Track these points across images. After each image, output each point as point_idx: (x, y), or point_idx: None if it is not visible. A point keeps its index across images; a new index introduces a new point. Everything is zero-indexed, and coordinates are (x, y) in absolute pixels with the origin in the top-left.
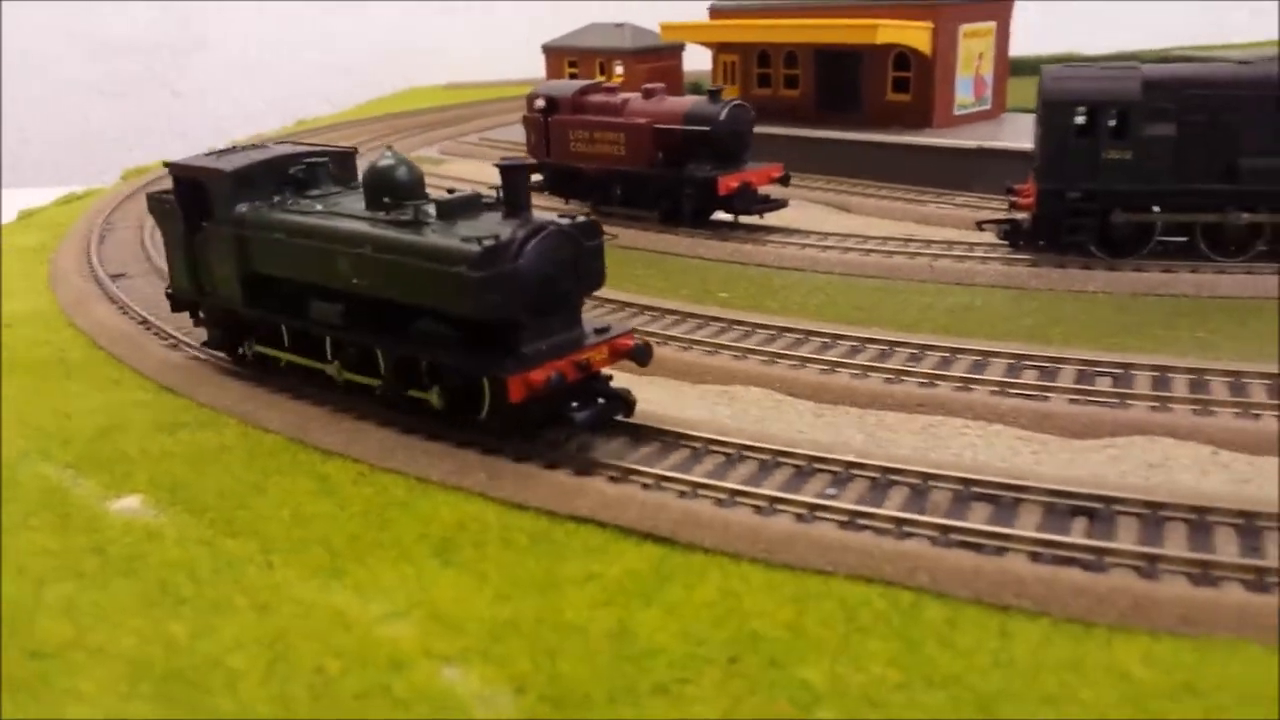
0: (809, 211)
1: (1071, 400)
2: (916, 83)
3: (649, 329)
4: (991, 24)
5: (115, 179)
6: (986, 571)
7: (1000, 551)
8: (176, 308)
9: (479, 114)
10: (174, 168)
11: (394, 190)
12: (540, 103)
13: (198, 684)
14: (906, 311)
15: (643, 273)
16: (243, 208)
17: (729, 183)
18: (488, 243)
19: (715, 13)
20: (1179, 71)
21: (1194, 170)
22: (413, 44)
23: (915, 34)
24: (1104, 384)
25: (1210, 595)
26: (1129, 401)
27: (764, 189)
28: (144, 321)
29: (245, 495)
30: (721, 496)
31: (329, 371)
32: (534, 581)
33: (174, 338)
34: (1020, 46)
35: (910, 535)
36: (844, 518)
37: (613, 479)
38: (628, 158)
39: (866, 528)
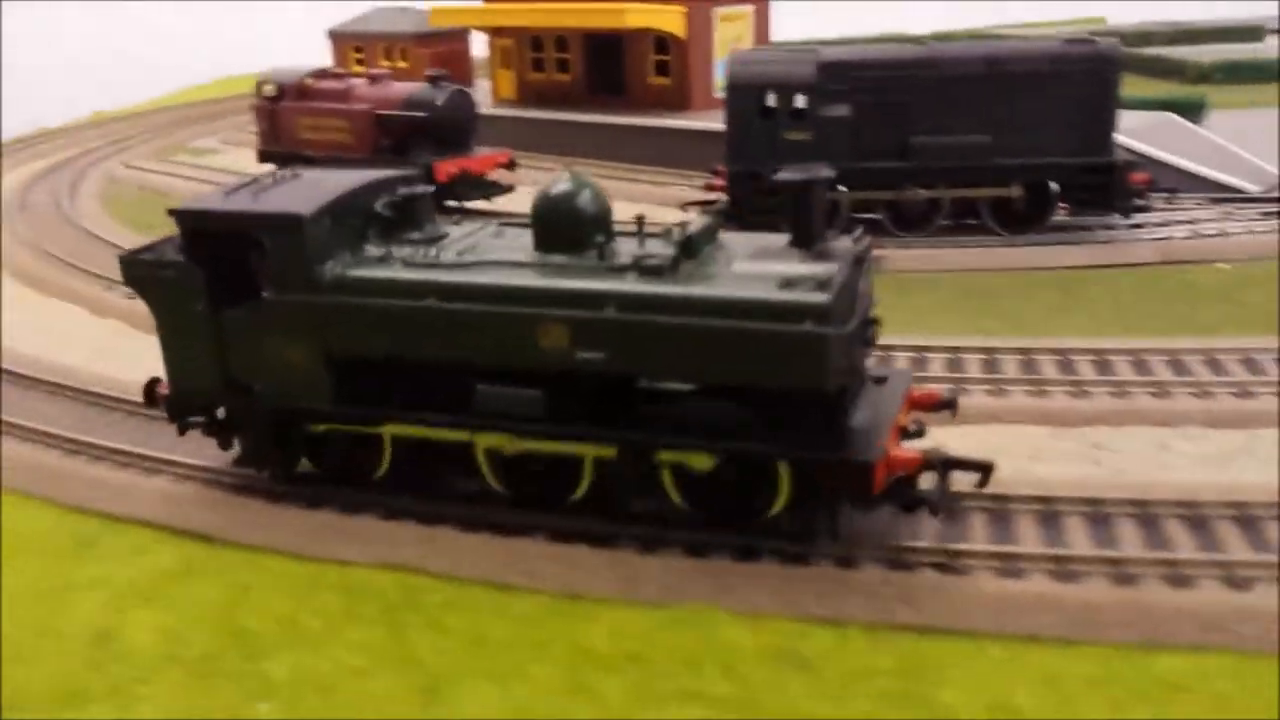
0: None
1: None
2: (675, 66)
3: None
4: (748, 8)
5: None
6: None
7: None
8: (177, 417)
9: None
10: (191, 217)
11: (576, 224)
12: (269, 89)
13: None
14: None
15: None
16: (333, 266)
17: (447, 169)
18: (828, 291)
19: None
20: (852, 54)
21: (870, 149)
22: (223, 34)
23: (668, 18)
24: None
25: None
26: None
27: (495, 175)
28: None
29: None
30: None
31: (491, 482)
32: None
33: (158, 459)
34: (810, 30)
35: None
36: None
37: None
38: (354, 144)
39: None
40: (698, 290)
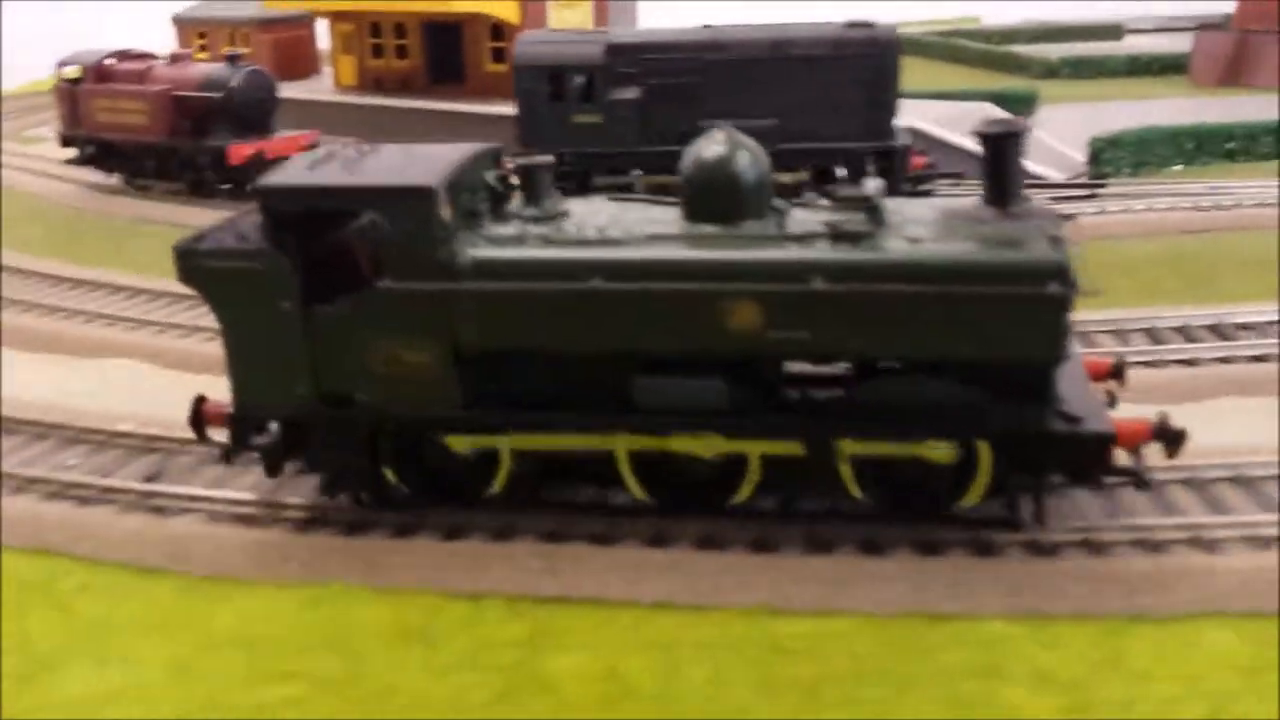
0: None
1: None
2: (511, 53)
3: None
4: None
5: None
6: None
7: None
8: (243, 441)
9: None
10: (283, 195)
11: (737, 190)
12: (71, 72)
13: None
14: None
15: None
16: (464, 248)
17: (242, 151)
18: (1062, 248)
19: None
20: (642, 37)
21: (660, 133)
22: (68, 26)
23: (501, 4)
24: None
25: None
26: None
27: None
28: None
29: None
30: None
31: (633, 491)
32: None
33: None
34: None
35: None
36: None
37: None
38: (151, 127)
39: None
40: (922, 255)
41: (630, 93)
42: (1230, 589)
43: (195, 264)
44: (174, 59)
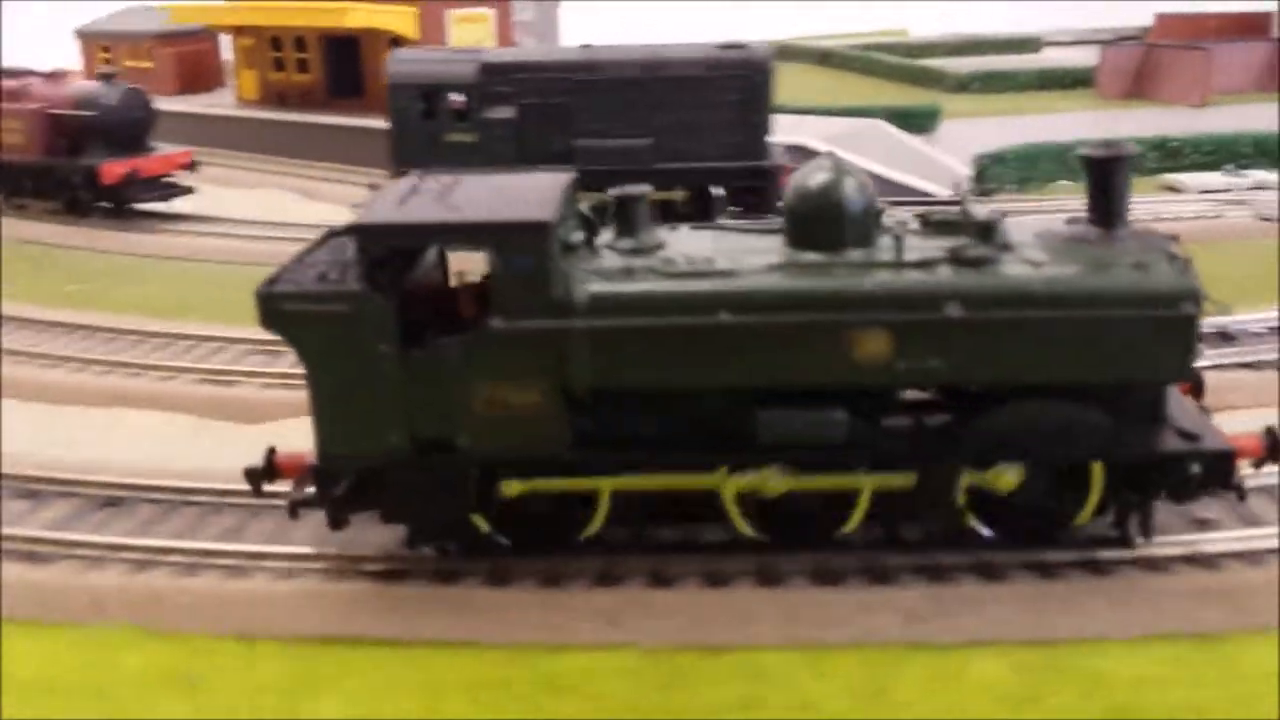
0: (273, 198)
1: None
2: None
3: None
4: (489, 10)
5: None
6: None
7: None
8: (331, 493)
9: None
10: (383, 232)
11: (842, 217)
12: None
13: None
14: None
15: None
16: (588, 283)
17: (115, 170)
18: (1191, 271)
19: None
20: (517, 56)
21: (535, 152)
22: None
23: (397, 19)
24: None
25: None
26: None
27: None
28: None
29: None
30: None
31: (740, 528)
32: None
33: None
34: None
35: None
36: None
37: None
38: (28, 146)
39: None
40: (1061, 281)
41: (505, 112)
42: None
43: (279, 308)
44: (50, 76)
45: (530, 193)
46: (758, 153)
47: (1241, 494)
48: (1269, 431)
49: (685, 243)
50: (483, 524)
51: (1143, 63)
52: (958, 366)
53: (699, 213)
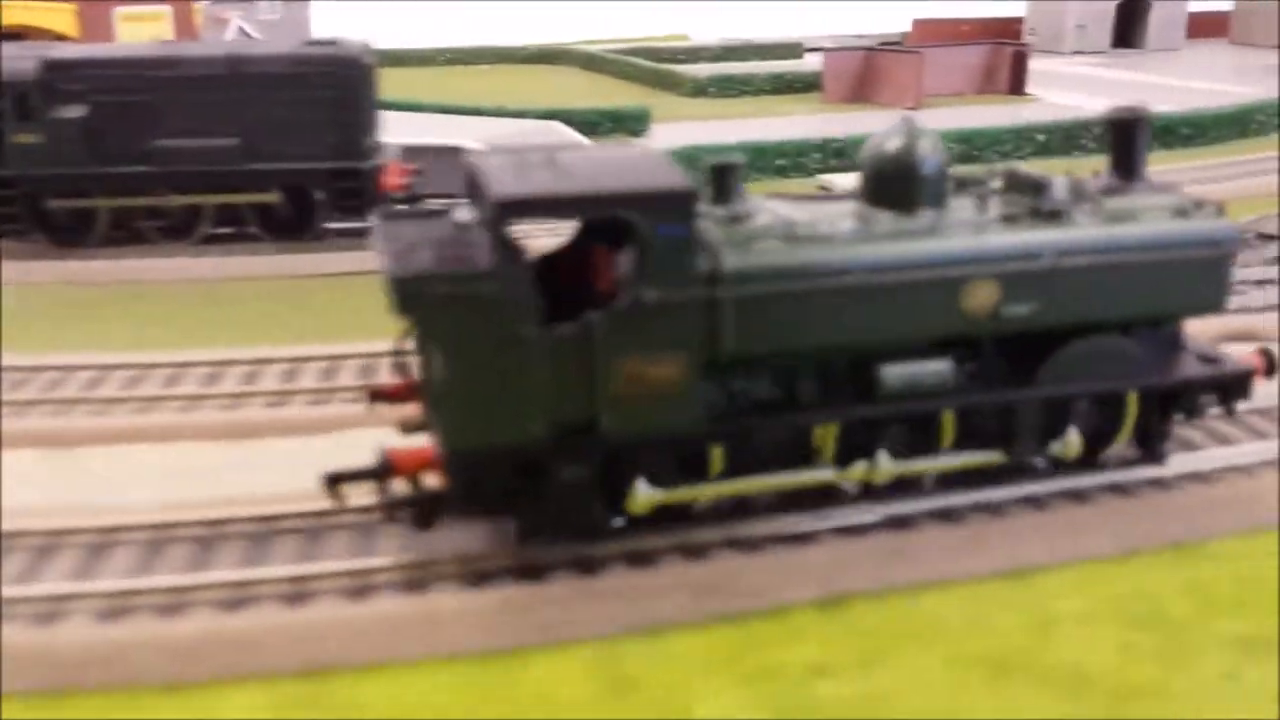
0: None
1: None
2: None
3: None
4: (164, 8)
5: None
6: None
7: None
8: (467, 491)
9: None
10: (524, 205)
11: (917, 178)
12: None
13: None
14: None
15: None
16: (732, 255)
17: None
18: (1224, 215)
19: None
20: (86, 52)
21: (111, 153)
22: None
23: (55, 15)
24: None
25: None
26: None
27: None
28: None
29: None
30: None
31: (850, 477)
32: None
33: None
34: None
35: None
36: None
37: None
38: None
39: None
40: (1122, 232)
41: (75, 111)
42: None
43: (418, 291)
44: None
45: (643, 162)
46: (354, 153)
47: (1231, 412)
48: (1264, 352)
49: (770, 211)
50: (639, 503)
51: (864, 67)
52: (1046, 311)
53: (297, 215)
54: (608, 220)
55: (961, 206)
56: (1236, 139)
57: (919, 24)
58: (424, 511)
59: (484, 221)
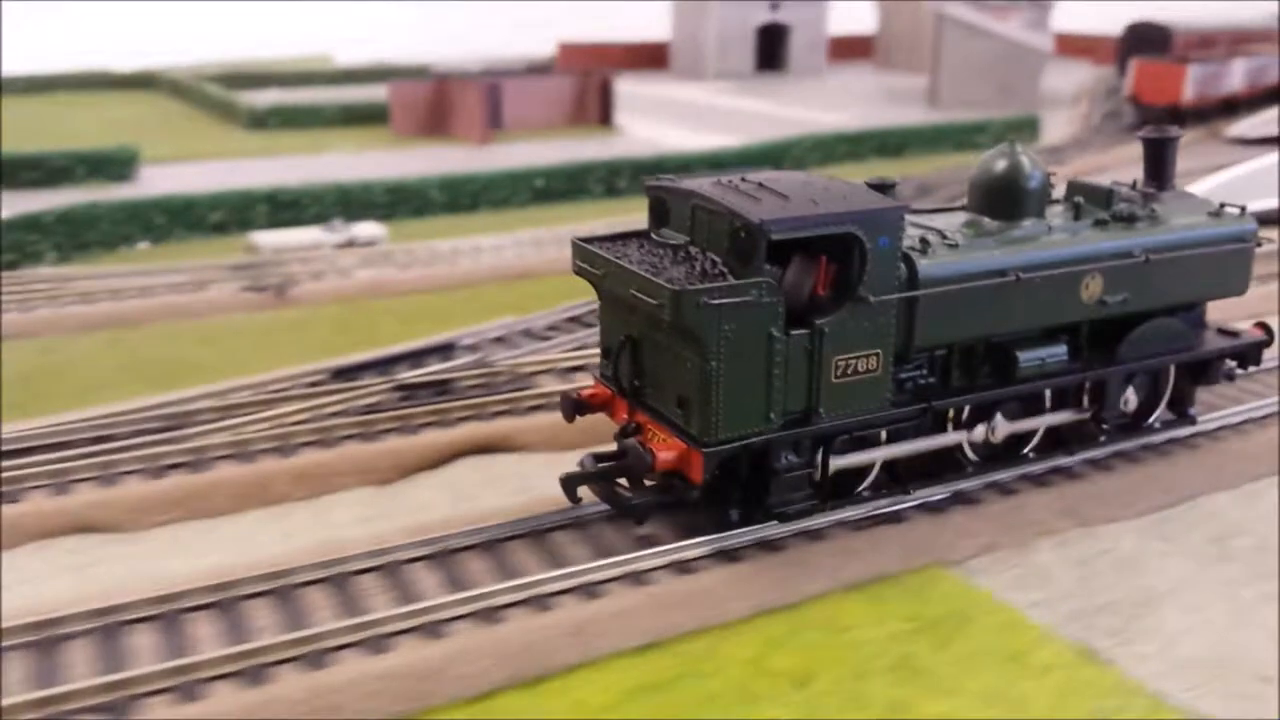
0: None
1: None
2: None
3: None
4: None
5: None
6: None
7: None
8: (718, 477)
9: None
10: (789, 224)
11: (1024, 192)
12: None
13: None
14: None
15: None
16: (924, 262)
17: None
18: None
19: None
20: None
21: None
22: None
23: None
24: None
25: None
26: None
27: None
28: None
29: None
30: None
31: (969, 453)
32: None
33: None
34: None
35: None
36: None
37: None
38: None
39: None
40: (1183, 230)
41: None
42: None
43: (697, 302)
44: None
45: (838, 187)
46: None
47: (1232, 378)
48: (1263, 325)
49: (914, 223)
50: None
51: (436, 97)
52: (1133, 298)
53: None
54: (839, 236)
55: (1056, 215)
56: None
57: (565, 49)
58: (645, 508)
59: (736, 240)
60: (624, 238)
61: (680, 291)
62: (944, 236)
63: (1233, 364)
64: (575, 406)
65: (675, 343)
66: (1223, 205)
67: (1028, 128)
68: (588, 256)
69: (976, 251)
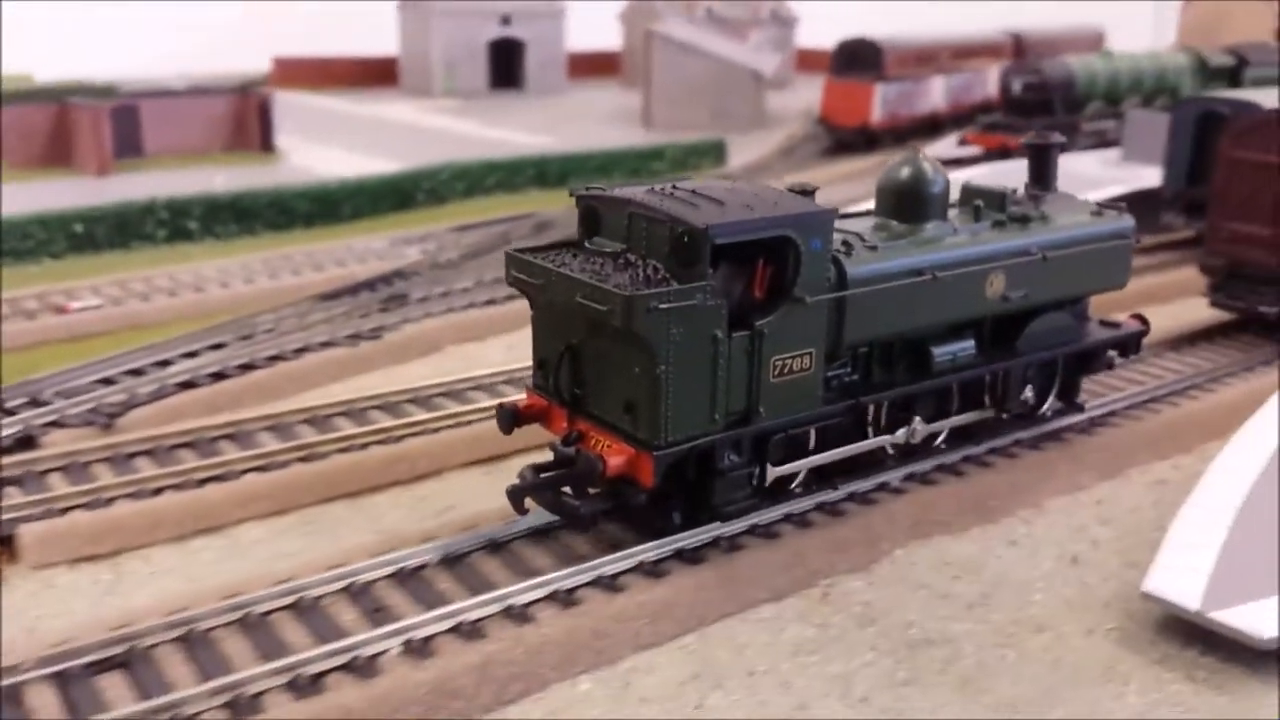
0: None
1: None
2: None
3: None
4: None
5: None
6: None
7: None
8: (665, 480)
9: None
10: (730, 229)
11: (927, 197)
12: None
13: None
14: None
15: None
16: (849, 264)
17: None
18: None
19: None
20: None
21: None
22: None
23: None
24: None
25: None
26: None
27: None
28: None
29: None
30: None
31: (900, 440)
32: None
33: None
34: None
35: None
36: None
37: None
38: None
39: None
40: (1073, 229)
41: None
42: None
43: (648, 307)
44: None
45: (768, 193)
46: None
47: (1112, 366)
48: (1139, 316)
49: (854, 224)
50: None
51: (58, 123)
52: (1029, 293)
53: None
54: (775, 239)
55: (955, 217)
56: (392, 212)
57: (281, 63)
58: (590, 514)
59: (678, 245)
60: (555, 248)
61: (632, 297)
62: (862, 239)
63: (1113, 353)
64: (512, 418)
65: (621, 348)
66: (1101, 205)
67: (712, 152)
68: (524, 267)
69: (894, 253)
